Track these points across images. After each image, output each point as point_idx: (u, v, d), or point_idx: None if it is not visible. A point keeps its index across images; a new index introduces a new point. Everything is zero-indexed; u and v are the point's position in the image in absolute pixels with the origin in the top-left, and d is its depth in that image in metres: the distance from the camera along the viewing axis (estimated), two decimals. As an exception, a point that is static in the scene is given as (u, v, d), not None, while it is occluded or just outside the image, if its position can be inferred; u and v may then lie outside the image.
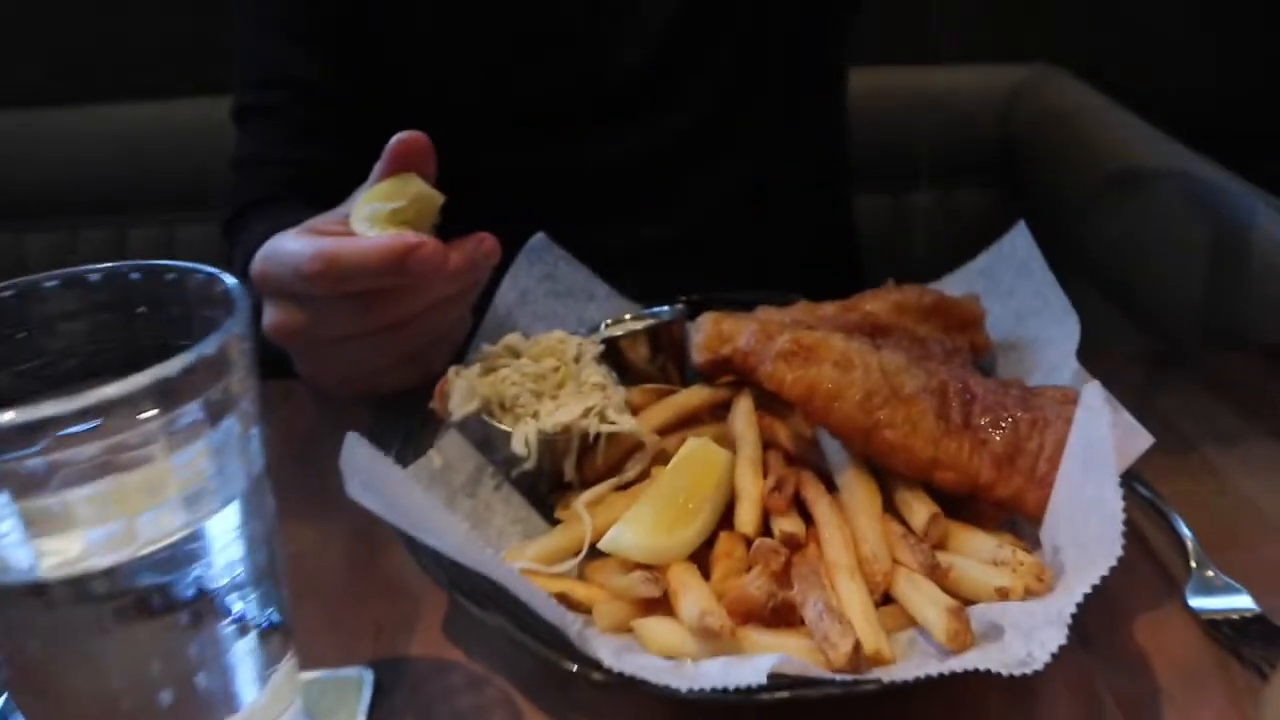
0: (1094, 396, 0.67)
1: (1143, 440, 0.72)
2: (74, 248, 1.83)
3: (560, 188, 1.21)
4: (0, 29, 1.91)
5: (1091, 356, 0.89)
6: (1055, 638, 0.59)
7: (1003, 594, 0.67)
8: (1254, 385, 1.09)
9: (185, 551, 0.51)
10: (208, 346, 0.48)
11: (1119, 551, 0.60)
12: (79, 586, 0.48)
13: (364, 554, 0.85)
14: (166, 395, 0.47)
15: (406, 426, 0.88)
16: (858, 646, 0.62)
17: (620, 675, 0.62)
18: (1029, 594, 0.67)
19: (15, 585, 0.48)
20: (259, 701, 0.57)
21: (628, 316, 1.00)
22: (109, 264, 0.58)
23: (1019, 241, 1.00)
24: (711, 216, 1.28)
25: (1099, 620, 0.74)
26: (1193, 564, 0.80)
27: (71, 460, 0.46)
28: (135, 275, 0.58)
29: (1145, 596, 0.79)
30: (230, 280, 0.55)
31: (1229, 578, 0.79)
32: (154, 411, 0.47)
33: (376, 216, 0.81)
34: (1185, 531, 0.83)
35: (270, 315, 0.86)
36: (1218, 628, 0.74)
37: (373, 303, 0.81)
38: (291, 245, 0.79)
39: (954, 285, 1.02)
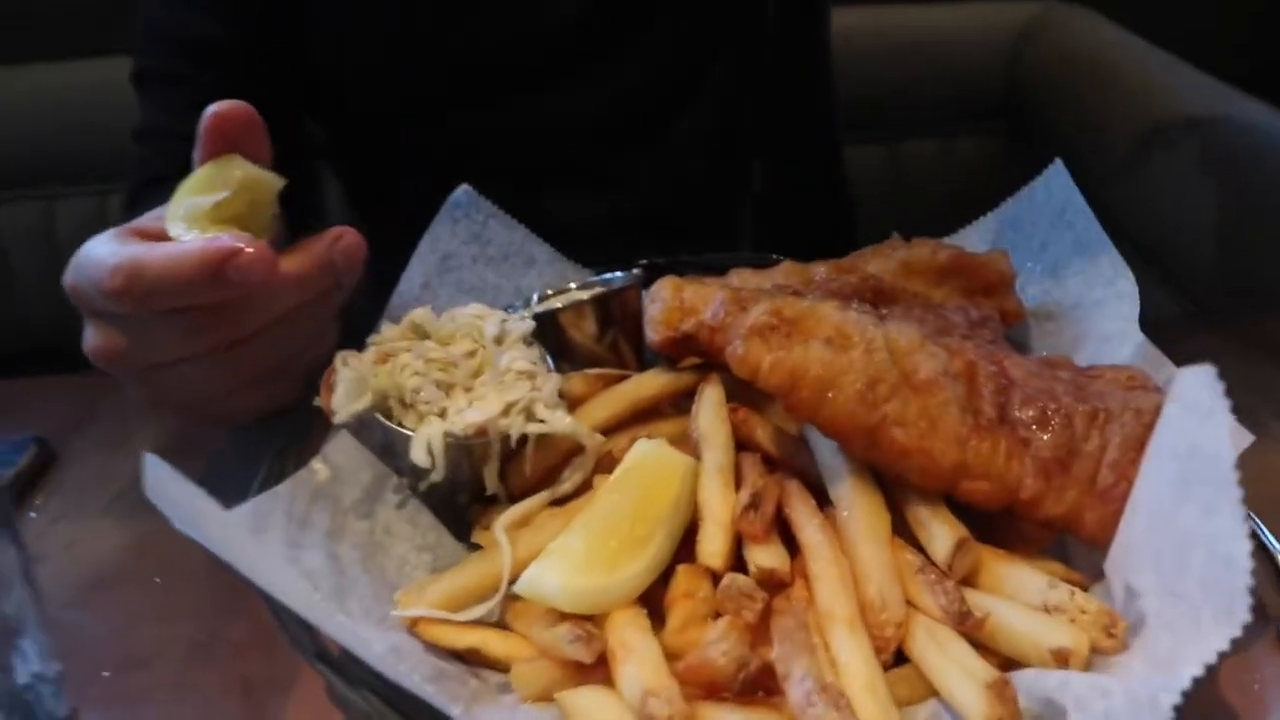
0: (1195, 386, 0.48)
1: (1242, 440, 0.53)
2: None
3: (509, 154, 1.12)
4: None
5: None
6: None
7: (1061, 659, 0.49)
8: None
9: None
10: None
11: (1244, 615, 0.41)
12: None
13: (236, 591, 0.67)
14: None
15: (289, 429, 0.69)
16: (862, 745, 0.44)
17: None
18: (1096, 653, 0.49)
19: None
20: None
21: (573, 286, 0.81)
22: None
23: (1055, 185, 0.82)
24: (678, 182, 1.18)
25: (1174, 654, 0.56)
26: None
27: None
28: None
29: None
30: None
31: None
32: None
33: (195, 214, 0.66)
34: (1275, 543, 0.66)
35: (89, 337, 0.72)
36: None
37: (201, 321, 0.67)
38: (97, 253, 0.67)
39: (975, 239, 0.84)
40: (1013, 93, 1.77)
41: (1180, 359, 0.92)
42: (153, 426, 0.96)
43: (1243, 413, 0.79)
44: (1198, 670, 0.41)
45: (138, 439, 0.92)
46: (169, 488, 0.48)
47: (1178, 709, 0.40)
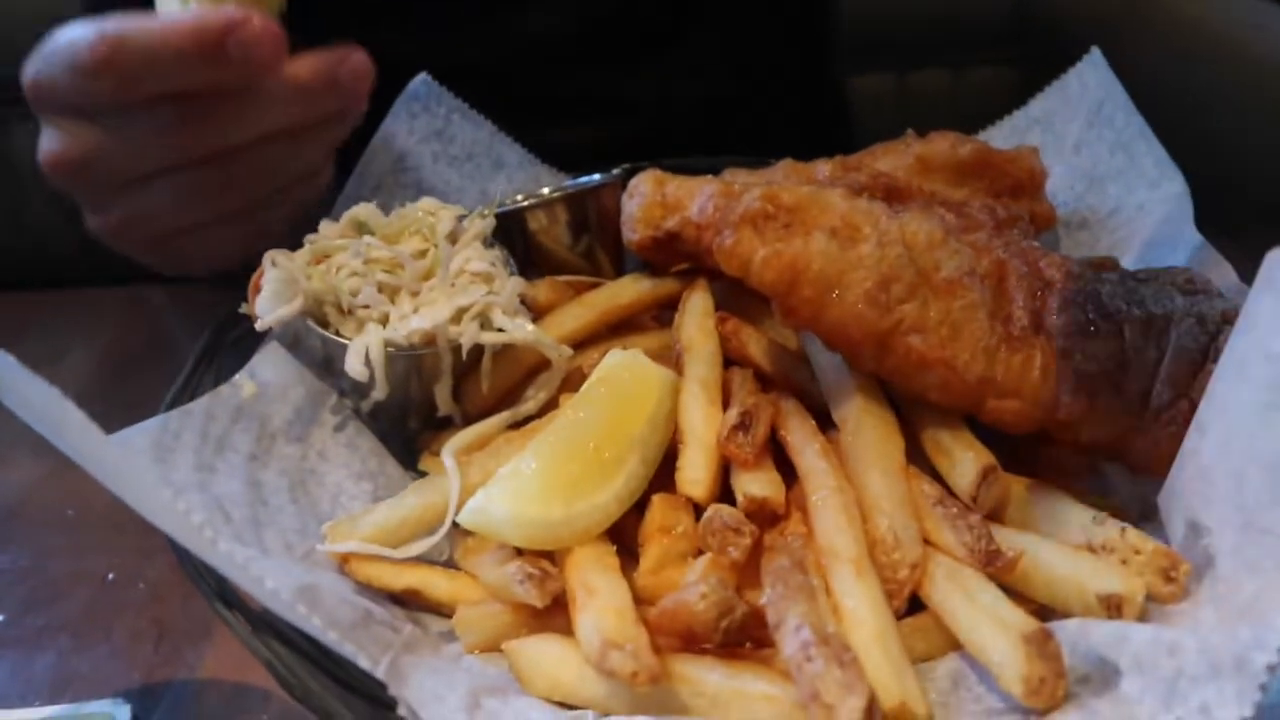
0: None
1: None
2: None
3: (505, 70, 1.02)
4: None
5: None
6: (1231, 702, 0.32)
7: (1112, 606, 0.40)
8: None
9: None
10: None
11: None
12: None
13: (152, 526, 0.59)
14: None
15: (206, 339, 0.61)
16: (870, 707, 0.35)
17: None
18: (1154, 601, 0.40)
19: None
20: None
21: (546, 190, 0.71)
22: None
23: (1091, 78, 0.73)
24: (673, 102, 1.10)
25: None
26: None
27: None
28: None
29: None
30: None
31: None
32: None
33: None
34: None
35: (49, 143, 0.62)
36: None
37: (188, 116, 0.58)
38: (73, 33, 0.58)
39: (999, 140, 0.75)
40: (1023, 16, 1.67)
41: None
42: (80, 350, 0.88)
43: None
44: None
45: (68, 360, 0.85)
46: (30, 396, 0.39)
47: (1273, 669, 0.32)
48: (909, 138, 0.71)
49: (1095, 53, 0.74)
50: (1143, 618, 0.41)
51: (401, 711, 0.37)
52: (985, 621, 0.40)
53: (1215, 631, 0.35)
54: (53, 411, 0.41)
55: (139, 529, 0.65)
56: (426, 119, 0.78)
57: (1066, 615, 0.43)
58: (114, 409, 0.51)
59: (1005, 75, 1.76)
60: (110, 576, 0.61)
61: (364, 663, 0.38)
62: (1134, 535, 0.44)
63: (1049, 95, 0.77)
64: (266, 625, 0.43)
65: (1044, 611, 0.45)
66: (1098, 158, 0.71)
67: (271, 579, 0.39)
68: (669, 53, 1.11)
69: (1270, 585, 0.36)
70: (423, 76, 0.78)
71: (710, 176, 0.68)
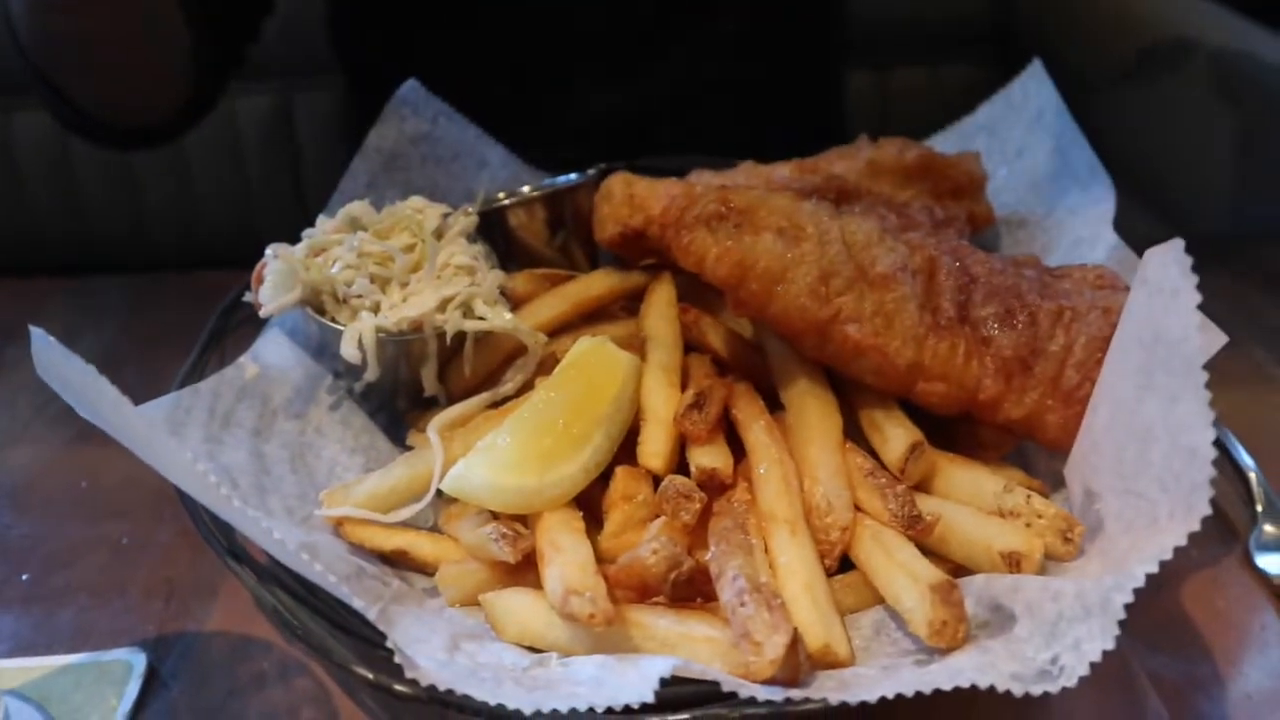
0: (1162, 265, 0.44)
1: (1215, 339, 0.50)
2: None
3: (527, 40, 1.09)
4: None
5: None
6: (1097, 637, 0.38)
7: (1013, 562, 0.46)
8: None
9: None
10: None
11: (1204, 509, 0.38)
12: None
13: (161, 492, 0.65)
14: None
15: (211, 326, 0.66)
16: (794, 647, 0.41)
17: (439, 693, 0.41)
18: (1050, 558, 0.46)
19: None
20: None
21: (527, 188, 0.77)
22: None
23: (1032, 88, 0.78)
24: (685, 89, 1.14)
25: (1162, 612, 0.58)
26: (1259, 505, 0.64)
27: None
28: None
29: (1195, 550, 0.61)
30: None
31: None
32: None
33: None
34: (1247, 460, 0.65)
35: None
36: None
37: None
38: None
39: (948, 143, 0.81)
40: (1001, 14, 1.71)
41: None
42: (91, 335, 0.93)
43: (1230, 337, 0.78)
44: (1152, 567, 0.38)
45: (82, 342, 0.89)
46: (61, 367, 0.45)
47: (1129, 607, 0.38)
48: (861, 142, 0.77)
49: (1036, 64, 0.79)
50: (1041, 572, 0.47)
51: (389, 645, 0.43)
52: (900, 575, 0.46)
53: (1091, 580, 0.41)
54: (85, 384, 0.47)
55: (147, 498, 0.70)
56: (415, 122, 0.83)
57: (977, 572, 0.49)
58: (124, 390, 0.55)
59: (981, 74, 1.81)
60: (124, 540, 0.66)
61: (358, 604, 0.44)
62: (1038, 501, 0.49)
63: (995, 103, 0.82)
64: (272, 576, 0.49)
65: (959, 569, 0.50)
66: (1036, 162, 0.77)
67: (278, 531, 0.44)
68: (687, 35, 1.13)
69: (1139, 541, 0.41)
70: (411, 82, 0.83)
71: (675, 179, 0.74)
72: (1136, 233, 1.43)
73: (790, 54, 1.26)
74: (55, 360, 0.45)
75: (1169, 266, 0.43)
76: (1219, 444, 0.65)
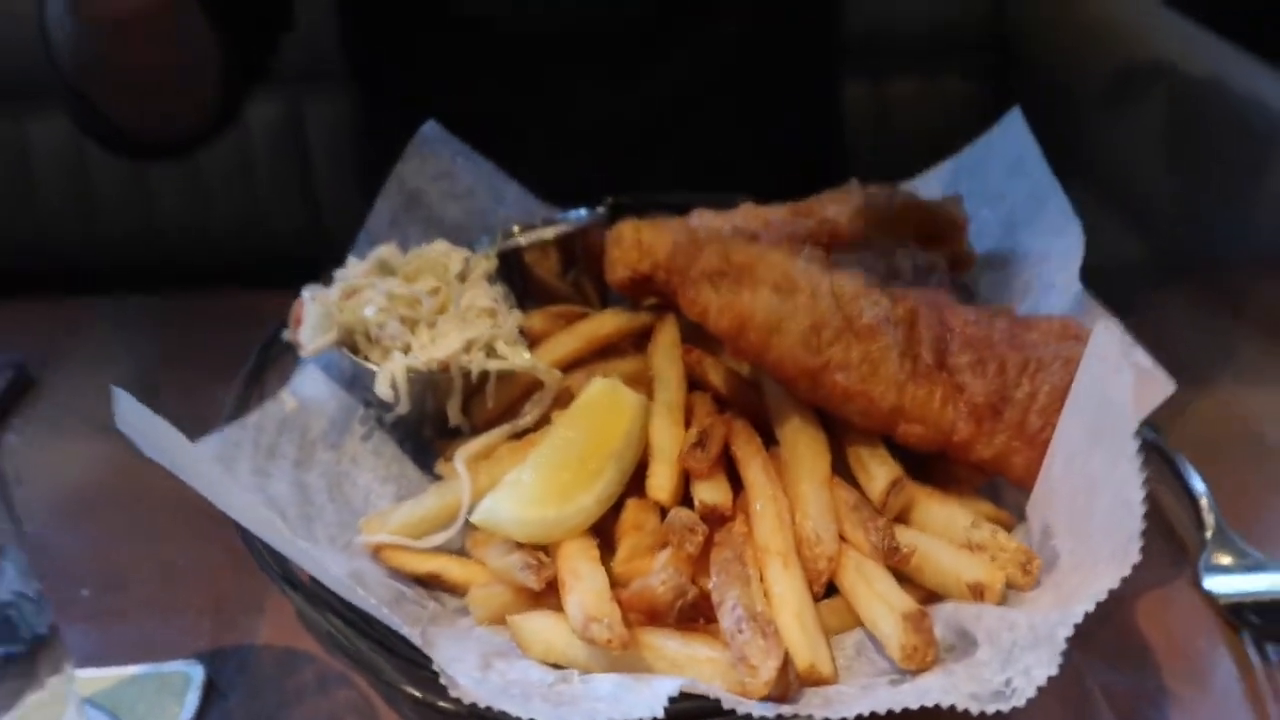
0: (1108, 342, 0.50)
1: (1161, 387, 0.57)
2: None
3: (531, 47, 1.13)
4: None
5: (1086, 268, 0.76)
6: (1044, 665, 0.44)
7: (977, 592, 0.53)
8: (1262, 298, 0.99)
9: None
10: None
11: (1135, 556, 0.45)
12: None
13: (211, 515, 0.70)
14: None
15: (253, 363, 0.72)
16: (785, 669, 0.48)
17: (475, 709, 0.47)
18: (1011, 588, 0.52)
19: None
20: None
21: (540, 222, 0.83)
22: None
23: (1012, 133, 0.83)
24: (687, 91, 1.18)
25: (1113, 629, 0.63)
26: (1208, 530, 0.69)
27: None
28: None
29: (1150, 571, 0.65)
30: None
31: (1251, 546, 0.67)
32: None
33: None
34: (1199, 488, 0.70)
35: None
36: (1238, 614, 0.64)
37: None
38: None
39: (933, 184, 0.87)
40: (997, 26, 1.75)
41: (1139, 307, 0.97)
42: (132, 353, 0.98)
43: (1186, 361, 0.83)
44: (1090, 606, 0.44)
45: (118, 363, 0.95)
46: (138, 421, 0.51)
47: (1069, 639, 0.44)
48: (852, 187, 0.82)
49: (1015, 111, 0.85)
50: (1003, 602, 0.53)
51: (435, 668, 0.49)
52: (878, 603, 0.52)
53: (1042, 613, 0.47)
54: (160, 435, 0.53)
55: (194, 521, 0.76)
56: (435, 161, 0.89)
57: (947, 598, 0.56)
58: (163, 410, 0.59)
59: (975, 85, 1.85)
60: (175, 561, 0.71)
61: (405, 632, 0.50)
62: (1002, 536, 0.55)
63: (977, 146, 0.88)
64: (323, 602, 0.55)
65: (931, 595, 0.56)
66: (1015, 205, 0.82)
67: (331, 564, 0.51)
68: (688, 38, 1.16)
69: (1086, 578, 0.48)
70: (431, 123, 0.88)
71: (681, 220, 0.80)
72: (1122, 255, 1.47)
73: (791, 54, 1.27)
74: (136, 416, 0.51)
75: (1111, 345, 0.49)
76: (1174, 470, 0.72)
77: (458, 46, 1.14)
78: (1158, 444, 0.73)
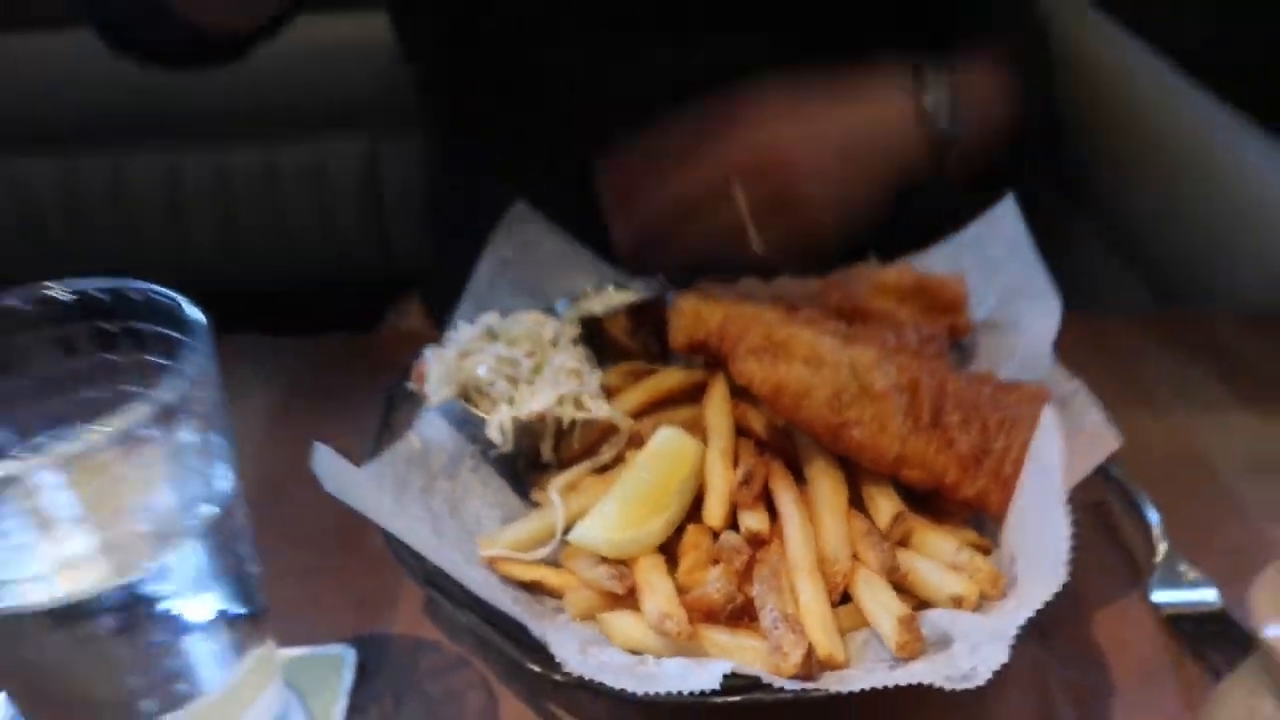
0: (1049, 420, 0.67)
1: (1110, 443, 0.73)
2: (124, 175, 1.86)
3: (600, 112, 1.17)
4: None
5: (1080, 320, 0.91)
6: (998, 655, 0.60)
7: (956, 602, 0.68)
8: (1241, 352, 1.09)
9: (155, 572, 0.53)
10: (169, 392, 0.49)
11: (1064, 577, 0.61)
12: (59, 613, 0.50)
13: (351, 530, 0.86)
14: (132, 435, 0.48)
15: (385, 408, 0.89)
16: (809, 656, 0.64)
17: (580, 679, 0.64)
18: (983, 600, 0.69)
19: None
20: (234, 682, 0.60)
21: (609, 285, 1.00)
22: (81, 283, 0.59)
23: (1008, 217, 0.99)
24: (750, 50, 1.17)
25: (1058, 612, 0.73)
26: (1158, 555, 0.81)
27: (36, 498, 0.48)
28: (103, 294, 0.59)
29: (1108, 587, 0.81)
30: (188, 306, 0.56)
31: (1195, 568, 0.80)
32: (118, 449, 0.48)
33: None
34: (1153, 518, 0.84)
35: None
36: (1178, 624, 0.75)
37: None
38: None
39: (940, 257, 1.02)
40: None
41: (1125, 351, 1.10)
42: (261, 392, 1.05)
43: (1156, 400, 0.97)
44: (1031, 612, 0.61)
45: (249, 401, 1.04)
46: (331, 466, 0.68)
47: (1017, 637, 0.61)
48: (872, 265, 0.99)
49: (1010, 197, 1.00)
50: (976, 610, 0.69)
51: (549, 650, 0.66)
52: (880, 608, 0.67)
53: (1001, 617, 0.63)
54: (344, 477, 0.70)
55: (332, 531, 0.85)
56: (522, 234, 1.05)
57: (934, 607, 0.71)
58: (295, 442, 0.71)
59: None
60: (320, 563, 0.84)
61: (527, 623, 0.67)
62: (978, 560, 0.71)
63: (979, 224, 1.02)
64: (458, 599, 0.72)
65: (921, 604, 0.71)
66: (1009, 279, 0.97)
67: (473, 574, 0.68)
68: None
69: (1032, 593, 0.64)
70: (521, 204, 1.05)
71: (733, 289, 0.96)
72: (1118, 295, 1.56)
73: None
74: (327, 461, 0.68)
75: (1050, 422, 0.65)
76: (1133, 502, 0.86)
77: (530, 109, 1.21)
78: (1120, 480, 0.87)
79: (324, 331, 1.12)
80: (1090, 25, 1.71)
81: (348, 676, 0.73)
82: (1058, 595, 0.64)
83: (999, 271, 0.98)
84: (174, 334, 0.57)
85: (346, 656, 0.75)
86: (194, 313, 0.56)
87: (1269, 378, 1.03)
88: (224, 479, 0.57)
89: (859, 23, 1.16)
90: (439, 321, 1.40)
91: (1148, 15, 1.64)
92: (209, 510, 0.55)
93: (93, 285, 0.59)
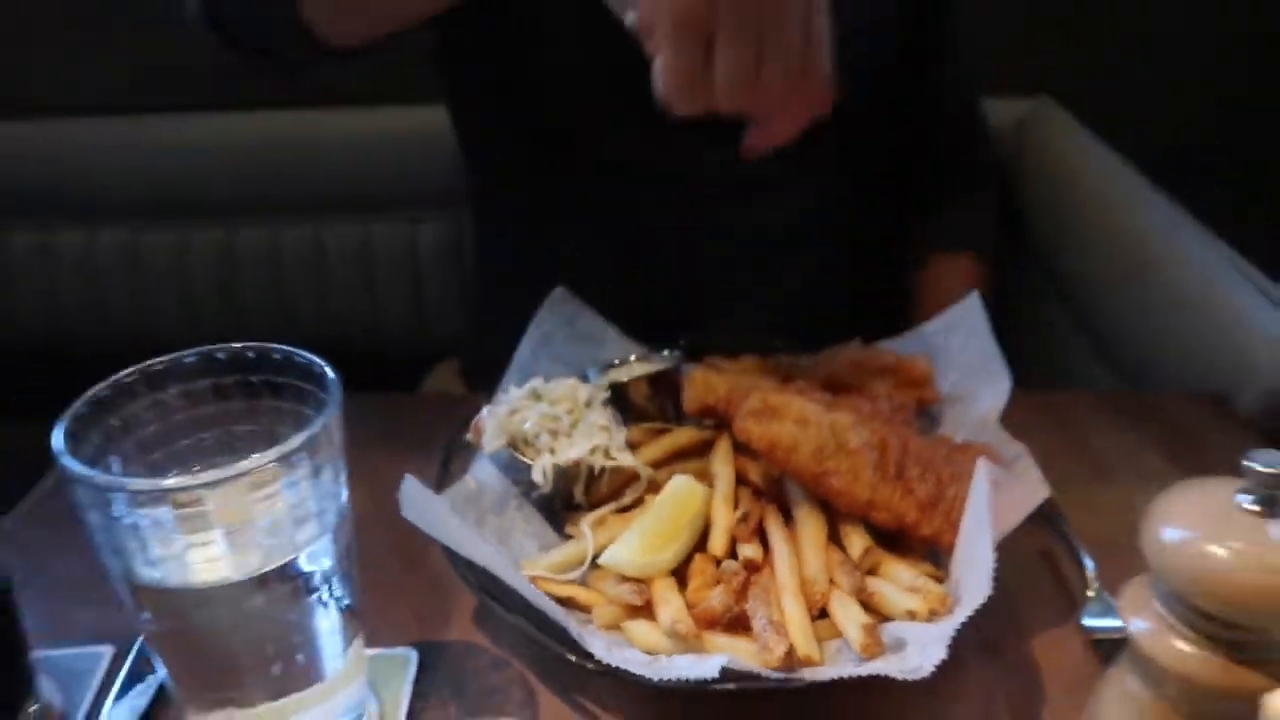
0: (981, 474, 0.85)
1: (1041, 494, 0.90)
2: (188, 248, 2.02)
3: (633, 188, 1.27)
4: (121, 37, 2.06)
5: (1040, 395, 1.09)
6: (938, 653, 0.77)
7: (910, 615, 0.83)
8: (1182, 426, 1.22)
9: (293, 565, 0.70)
10: (315, 427, 0.67)
11: (989, 591, 0.78)
12: (220, 589, 0.68)
13: (410, 556, 0.97)
14: (286, 461, 0.66)
15: (444, 455, 1.07)
16: (790, 652, 0.80)
17: (608, 666, 0.81)
18: (933, 615, 0.85)
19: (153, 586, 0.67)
20: (340, 669, 0.72)
21: (633, 357, 1.18)
22: (232, 346, 0.77)
23: (973, 310, 1.16)
24: (762, 239, 1.33)
25: (1007, 635, 0.87)
26: (1091, 592, 0.93)
27: (215, 503, 0.65)
28: (251, 354, 0.77)
29: (1048, 617, 0.95)
30: (326, 367, 0.74)
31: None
32: (277, 470, 0.66)
33: None
34: (1089, 565, 0.99)
35: None
36: (1101, 645, 0.85)
37: None
38: None
39: (912, 341, 1.19)
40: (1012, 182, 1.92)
41: (1079, 425, 1.26)
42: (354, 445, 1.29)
43: (1101, 463, 1.12)
44: (963, 619, 0.77)
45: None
46: (417, 493, 0.86)
47: (952, 638, 0.76)
48: (855, 345, 1.17)
49: (974, 294, 1.18)
50: (928, 622, 0.86)
51: (585, 648, 0.82)
52: (849, 620, 0.81)
53: (944, 625, 0.80)
54: (423, 502, 0.87)
55: (401, 557, 0.95)
56: (561, 313, 1.23)
57: (893, 620, 0.87)
58: (379, 489, 0.85)
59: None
60: (384, 580, 0.94)
61: (571, 627, 0.83)
62: (931, 585, 0.86)
63: (948, 314, 1.19)
64: (516, 609, 0.88)
65: (884, 619, 0.85)
66: (971, 359, 1.12)
67: (523, 585, 0.85)
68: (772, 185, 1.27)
69: (965, 610, 0.80)
70: (561, 289, 1.24)
71: (737, 364, 1.14)
72: (1086, 371, 1.72)
73: (866, 212, 1.38)
74: (416, 492, 0.86)
75: (981, 475, 0.83)
76: (1074, 551, 1.03)
77: (565, 184, 1.30)
78: (1065, 532, 1.03)
79: (365, 392, 1.28)
80: (1070, 135, 1.88)
81: (411, 672, 0.83)
82: (1009, 616, 0.81)
83: (961, 354, 1.14)
84: (306, 385, 0.75)
85: (410, 656, 0.85)
86: (327, 369, 0.74)
87: (1206, 448, 1.17)
88: (342, 496, 0.75)
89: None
90: (473, 387, 1.58)
91: (1118, 128, 1.84)
92: (334, 518, 0.73)
93: (242, 347, 0.78)
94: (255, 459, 0.65)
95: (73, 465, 0.64)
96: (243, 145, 2.11)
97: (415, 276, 2.05)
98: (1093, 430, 1.25)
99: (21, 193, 1.96)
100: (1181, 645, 0.56)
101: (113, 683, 0.81)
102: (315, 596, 0.67)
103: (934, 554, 0.89)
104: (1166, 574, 0.58)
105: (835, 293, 1.32)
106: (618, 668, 0.79)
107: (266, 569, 0.68)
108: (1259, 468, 0.56)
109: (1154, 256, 1.50)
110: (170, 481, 0.64)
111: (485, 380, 1.09)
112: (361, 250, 2.03)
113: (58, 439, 0.66)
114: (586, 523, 0.92)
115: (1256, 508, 0.57)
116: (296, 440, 0.66)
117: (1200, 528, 0.55)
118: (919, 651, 0.79)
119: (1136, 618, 0.62)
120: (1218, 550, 0.54)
